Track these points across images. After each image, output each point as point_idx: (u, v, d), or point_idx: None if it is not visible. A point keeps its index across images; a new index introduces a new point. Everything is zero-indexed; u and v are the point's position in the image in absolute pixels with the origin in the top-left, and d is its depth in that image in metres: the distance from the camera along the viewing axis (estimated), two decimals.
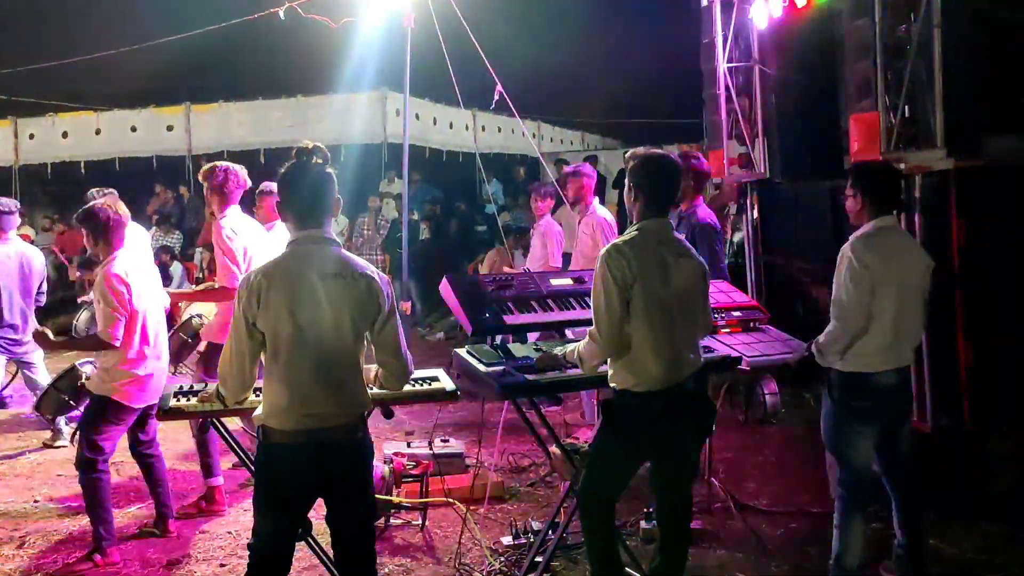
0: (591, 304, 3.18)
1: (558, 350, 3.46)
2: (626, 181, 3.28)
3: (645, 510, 4.34)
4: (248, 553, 2.90)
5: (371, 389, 3.06)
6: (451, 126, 14.41)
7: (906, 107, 4.86)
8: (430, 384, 3.68)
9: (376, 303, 2.84)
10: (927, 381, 4.82)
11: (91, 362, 4.65)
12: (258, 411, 2.85)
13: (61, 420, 6.07)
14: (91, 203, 4.32)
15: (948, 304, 4.68)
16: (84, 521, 4.50)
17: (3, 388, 7.21)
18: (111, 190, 5.97)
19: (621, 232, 3.75)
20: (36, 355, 6.34)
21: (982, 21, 4.73)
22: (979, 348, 4.80)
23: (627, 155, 3.31)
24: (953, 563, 4.01)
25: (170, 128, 13.90)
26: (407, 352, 2.98)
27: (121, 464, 5.55)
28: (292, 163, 2.90)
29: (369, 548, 2.98)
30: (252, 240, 4.97)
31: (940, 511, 4.33)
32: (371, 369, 3.07)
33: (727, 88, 7.14)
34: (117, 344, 4.15)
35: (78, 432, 4.35)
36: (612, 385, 3.22)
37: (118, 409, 4.25)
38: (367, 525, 2.99)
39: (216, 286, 4.99)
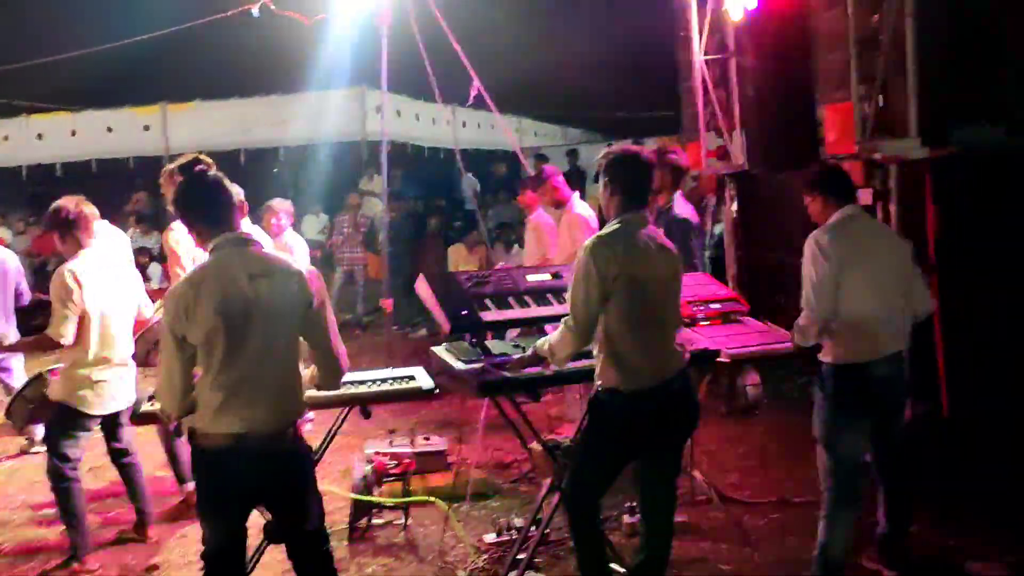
0: (568, 297, 3.16)
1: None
2: (601, 179, 3.27)
3: (628, 504, 4.34)
4: (202, 563, 2.87)
5: (308, 391, 3.01)
6: (434, 122, 14.35)
7: (880, 97, 4.88)
8: (407, 382, 3.66)
9: (307, 299, 2.82)
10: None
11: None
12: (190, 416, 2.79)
13: (37, 426, 5.98)
14: (54, 204, 4.27)
15: None
16: (62, 528, 4.44)
17: None
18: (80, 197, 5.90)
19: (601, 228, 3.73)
20: (15, 360, 6.24)
21: (954, 10, 4.76)
22: (956, 336, 4.83)
23: (600, 154, 3.31)
24: (933, 551, 4.03)
25: (147, 128, 13.71)
26: (339, 347, 2.93)
27: (99, 469, 5.49)
28: (181, 182, 2.88)
29: (323, 555, 2.95)
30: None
31: (919, 499, 4.34)
32: (307, 373, 3.02)
33: (704, 80, 7.14)
34: (66, 343, 4.07)
35: (44, 441, 4.27)
36: (598, 383, 3.19)
37: (78, 416, 4.17)
38: (314, 533, 2.93)
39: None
